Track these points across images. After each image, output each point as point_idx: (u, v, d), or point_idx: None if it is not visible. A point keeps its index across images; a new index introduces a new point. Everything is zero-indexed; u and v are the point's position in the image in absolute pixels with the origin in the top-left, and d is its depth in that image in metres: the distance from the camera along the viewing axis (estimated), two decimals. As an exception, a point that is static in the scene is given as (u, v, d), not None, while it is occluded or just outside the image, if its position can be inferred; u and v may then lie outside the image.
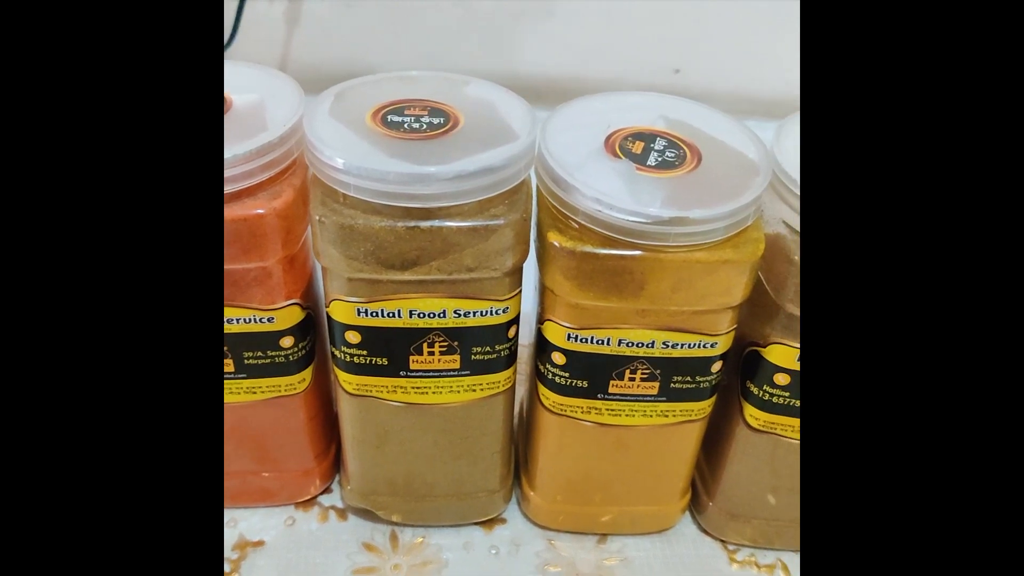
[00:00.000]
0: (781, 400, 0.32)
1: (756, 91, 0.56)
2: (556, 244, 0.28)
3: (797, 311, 0.29)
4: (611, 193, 0.27)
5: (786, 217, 0.29)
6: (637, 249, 0.27)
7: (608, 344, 0.30)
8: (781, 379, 0.31)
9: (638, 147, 0.29)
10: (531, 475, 0.36)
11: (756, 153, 0.29)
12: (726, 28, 0.53)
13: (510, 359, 0.32)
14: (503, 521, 0.38)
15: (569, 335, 0.30)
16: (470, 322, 0.30)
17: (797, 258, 0.28)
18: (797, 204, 0.28)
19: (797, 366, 0.30)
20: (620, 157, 0.28)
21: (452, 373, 0.31)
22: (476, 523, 0.37)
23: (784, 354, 0.30)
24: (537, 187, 0.30)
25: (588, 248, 0.27)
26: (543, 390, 0.32)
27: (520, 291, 0.31)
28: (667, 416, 0.32)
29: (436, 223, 0.27)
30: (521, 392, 0.38)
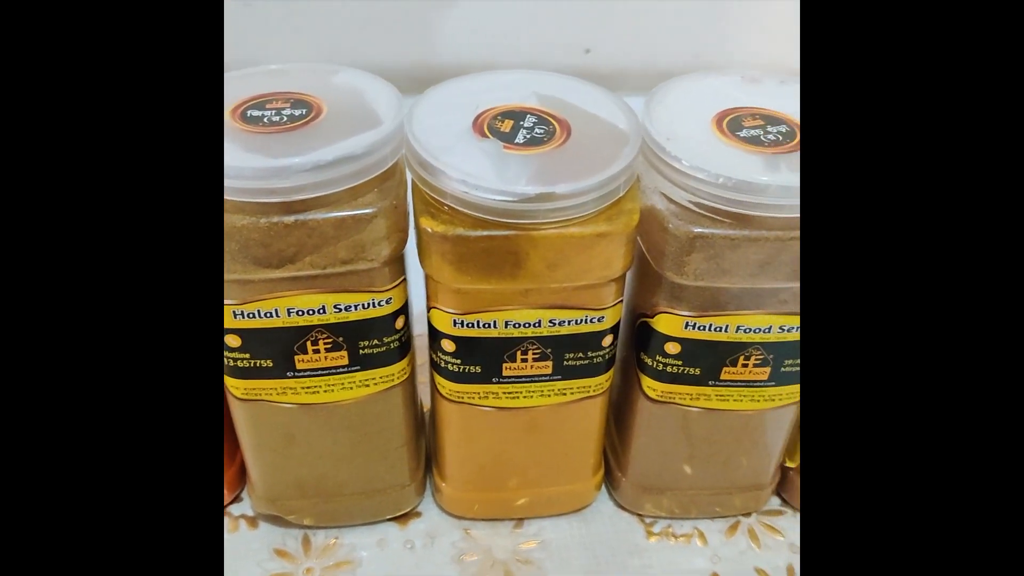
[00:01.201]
0: (674, 369, 0.32)
1: (668, 66, 0.56)
2: (428, 230, 0.27)
3: (678, 279, 0.29)
4: (477, 174, 0.26)
5: (661, 187, 0.29)
6: (509, 229, 0.27)
7: (495, 327, 0.30)
8: (671, 348, 0.31)
9: (507, 125, 0.28)
10: (441, 466, 0.36)
11: (627, 124, 0.29)
12: (634, 5, 0.53)
13: (402, 350, 0.31)
14: (418, 515, 0.37)
15: (455, 321, 0.30)
16: (353, 316, 0.29)
17: (671, 226, 0.28)
18: (670, 173, 0.28)
19: (685, 334, 0.30)
20: (488, 137, 0.28)
21: (341, 370, 0.31)
22: (391, 519, 0.37)
23: (671, 323, 0.30)
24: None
25: (460, 231, 0.27)
26: (438, 379, 0.32)
27: (403, 280, 0.30)
28: (565, 394, 0.32)
29: (301, 216, 0.26)
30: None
